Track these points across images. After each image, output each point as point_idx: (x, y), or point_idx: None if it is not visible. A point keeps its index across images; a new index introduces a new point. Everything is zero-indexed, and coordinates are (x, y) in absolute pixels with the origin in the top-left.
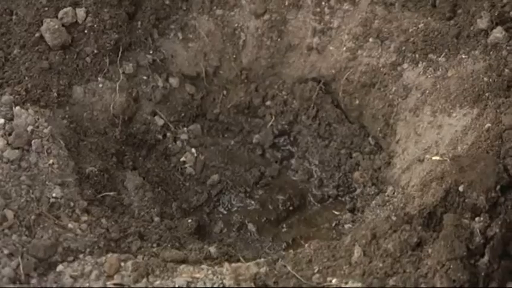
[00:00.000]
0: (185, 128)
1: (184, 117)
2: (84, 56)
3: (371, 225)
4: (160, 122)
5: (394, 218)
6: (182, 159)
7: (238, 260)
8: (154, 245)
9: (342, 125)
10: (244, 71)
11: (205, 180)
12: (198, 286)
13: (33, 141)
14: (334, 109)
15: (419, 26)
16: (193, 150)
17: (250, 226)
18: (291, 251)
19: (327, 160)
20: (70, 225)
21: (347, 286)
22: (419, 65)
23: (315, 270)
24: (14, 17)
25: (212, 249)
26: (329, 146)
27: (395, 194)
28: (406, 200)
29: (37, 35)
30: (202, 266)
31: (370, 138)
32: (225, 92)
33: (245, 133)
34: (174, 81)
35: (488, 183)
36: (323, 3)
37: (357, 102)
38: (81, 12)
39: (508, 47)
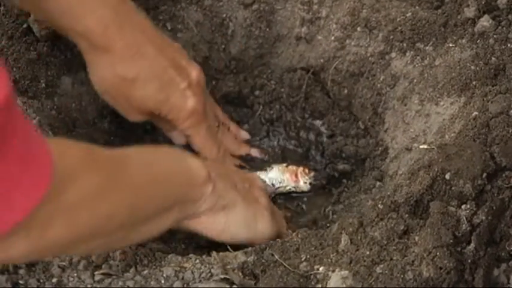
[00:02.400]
0: None
1: None
2: (72, 46)
3: (358, 213)
4: None
5: (380, 206)
6: None
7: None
8: None
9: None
10: (233, 61)
11: None
12: (186, 275)
13: None
14: (324, 98)
15: (407, 15)
16: None
17: None
18: (279, 239)
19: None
20: None
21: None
22: (407, 54)
23: (302, 259)
24: (1, 8)
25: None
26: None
27: (384, 182)
28: (393, 189)
29: (25, 26)
30: (190, 256)
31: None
32: (214, 82)
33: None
34: None
35: (474, 171)
36: None
37: (346, 91)
38: None
39: (495, 36)
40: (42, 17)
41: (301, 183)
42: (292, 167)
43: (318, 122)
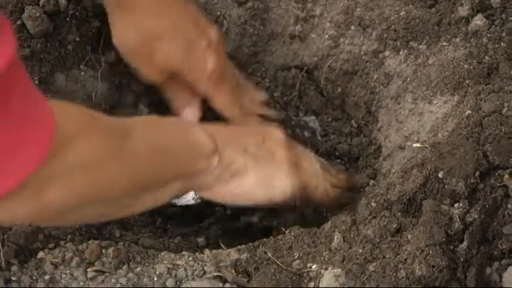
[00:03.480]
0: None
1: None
2: (66, 43)
3: (351, 211)
4: (145, 111)
5: (373, 205)
6: None
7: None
8: (136, 231)
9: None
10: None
11: None
12: (178, 273)
13: None
14: (317, 96)
15: (401, 13)
16: None
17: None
18: (272, 237)
19: None
20: None
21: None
22: (401, 53)
23: (295, 257)
24: None
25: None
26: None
27: (377, 181)
28: (387, 187)
29: (18, 22)
30: (183, 253)
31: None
32: None
33: None
34: None
35: (467, 169)
36: None
37: (339, 89)
38: (62, 0)
39: (488, 35)
40: None
41: None
42: None
43: (311, 120)
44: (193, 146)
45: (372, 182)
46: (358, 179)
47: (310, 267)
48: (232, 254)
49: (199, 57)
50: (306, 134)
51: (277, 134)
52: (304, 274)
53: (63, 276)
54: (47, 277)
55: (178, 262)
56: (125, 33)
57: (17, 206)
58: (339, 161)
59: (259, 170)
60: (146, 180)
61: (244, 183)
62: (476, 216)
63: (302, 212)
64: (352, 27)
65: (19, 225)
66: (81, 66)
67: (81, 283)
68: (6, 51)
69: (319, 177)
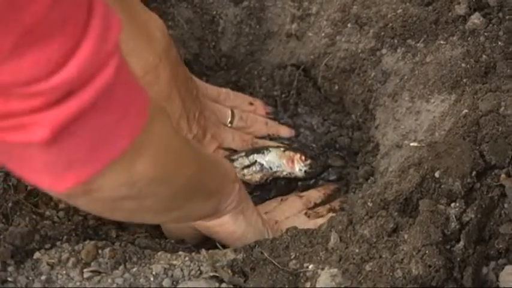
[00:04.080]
0: None
1: None
2: None
3: (348, 211)
4: None
5: (370, 204)
6: None
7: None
8: (132, 232)
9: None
10: (224, 58)
11: None
12: (175, 273)
13: None
14: (316, 92)
15: (398, 11)
16: None
17: None
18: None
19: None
20: (47, 213)
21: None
22: (398, 51)
23: (292, 257)
24: None
25: None
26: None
27: (375, 179)
28: (384, 186)
29: None
30: (180, 253)
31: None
32: (204, 79)
33: None
34: None
35: (464, 169)
36: None
37: (337, 87)
38: None
39: (485, 33)
40: None
41: (297, 169)
42: (290, 153)
43: (310, 119)
44: (225, 168)
45: (370, 179)
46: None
47: (307, 267)
48: (228, 254)
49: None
50: (303, 133)
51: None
52: (301, 274)
53: (60, 276)
54: (43, 277)
55: (175, 262)
56: None
57: (109, 179)
58: (337, 152)
59: (259, 221)
60: (199, 183)
61: (247, 223)
62: (473, 216)
63: None
64: (349, 25)
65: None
66: None
67: (78, 283)
68: (117, 24)
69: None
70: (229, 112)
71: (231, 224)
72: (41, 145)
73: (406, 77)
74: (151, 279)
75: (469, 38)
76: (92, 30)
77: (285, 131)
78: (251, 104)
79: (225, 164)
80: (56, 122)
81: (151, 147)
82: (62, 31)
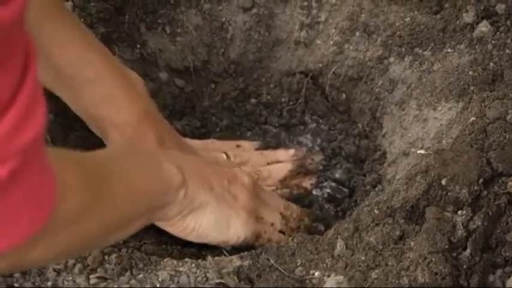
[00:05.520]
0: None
1: (173, 111)
2: None
3: (354, 218)
4: None
5: (376, 211)
6: None
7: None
8: (139, 238)
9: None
10: (232, 65)
11: None
12: (181, 279)
13: None
14: (323, 101)
15: (406, 19)
16: None
17: None
18: (274, 244)
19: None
20: None
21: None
22: (406, 59)
23: (298, 263)
24: None
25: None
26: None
27: (382, 187)
28: (390, 194)
29: None
30: (186, 260)
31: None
32: (213, 86)
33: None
34: (163, 75)
35: (471, 176)
36: None
37: (344, 96)
38: (68, 6)
39: (493, 41)
40: (75, 106)
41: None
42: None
43: (317, 126)
44: (164, 181)
45: (377, 187)
46: (317, 226)
47: (313, 274)
48: (234, 260)
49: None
50: (311, 140)
51: (245, 179)
52: (307, 281)
53: (66, 283)
54: (49, 284)
55: (181, 269)
56: None
57: None
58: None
59: (218, 211)
60: (121, 222)
61: (200, 222)
62: (480, 224)
63: None
64: (357, 34)
65: None
66: None
67: None
68: (38, 126)
69: (275, 229)
70: (224, 155)
71: (180, 224)
72: None
73: (413, 85)
74: (158, 285)
75: (477, 46)
76: (4, 123)
77: (282, 155)
78: (238, 146)
79: (169, 176)
80: None
81: (46, 241)
82: None
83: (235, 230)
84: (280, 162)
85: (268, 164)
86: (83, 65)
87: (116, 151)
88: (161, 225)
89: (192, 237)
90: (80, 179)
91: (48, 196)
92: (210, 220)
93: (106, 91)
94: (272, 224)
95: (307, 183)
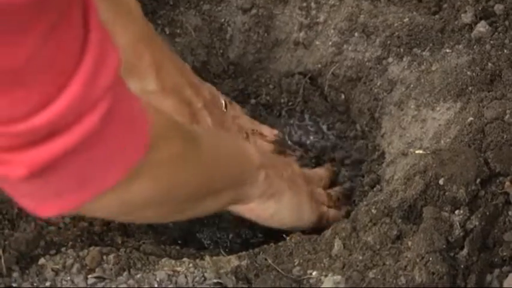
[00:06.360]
0: None
1: None
2: None
3: (351, 218)
4: None
5: (374, 211)
6: None
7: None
8: (138, 238)
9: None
10: (232, 66)
11: None
12: (179, 279)
13: None
14: (322, 101)
15: (405, 20)
16: None
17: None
18: (272, 244)
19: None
20: (53, 219)
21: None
22: (404, 59)
23: (296, 263)
24: None
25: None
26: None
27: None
28: (388, 194)
29: None
30: (184, 259)
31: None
32: None
33: None
34: None
35: (468, 176)
36: None
37: (343, 97)
38: None
39: (491, 42)
40: None
41: None
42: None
43: (315, 127)
44: (247, 157)
45: (376, 187)
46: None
47: (310, 273)
48: (232, 260)
49: (196, 117)
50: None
51: (296, 167)
52: (304, 281)
53: (64, 283)
54: (47, 284)
55: (179, 269)
56: None
57: (99, 204)
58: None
59: (292, 197)
60: (210, 185)
61: (279, 206)
62: (477, 223)
63: None
64: (356, 34)
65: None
66: None
67: None
68: (114, 63)
69: (327, 209)
70: (222, 99)
71: (259, 209)
72: (20, 181)
73: (412, 86)
74: (155, 285)
75: (475, 46)
76: (80, 74)
77: (266, 130)
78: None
79: (247, 151)
80: (34, 162)
81: (150, 173)
82: (47, 75)
83: (309, 215)
84: (262, 135)
85: (252, 130)
86: None
87: (200, 128)
88: (240, 210)
89: (270, 223)
90: (173, 129)
91: (143, 125)
92: (288, 206)
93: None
94: (324, 204)
95: None
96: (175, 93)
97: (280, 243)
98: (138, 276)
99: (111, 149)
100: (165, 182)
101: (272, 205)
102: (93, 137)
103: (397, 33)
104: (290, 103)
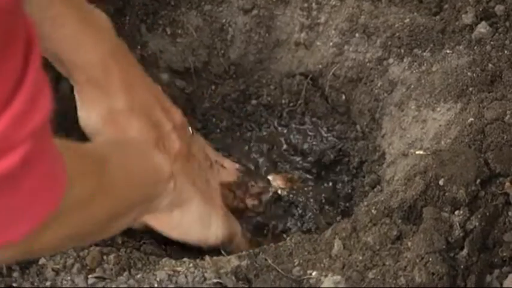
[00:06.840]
0: None
1: None
2: None
3: (351, 218)
4: None
5: (374, 212)
6: None
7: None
8: (138, 238)
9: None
10: (233, 66)
11: None
12: (179, 279)
13: None
14: (323, 103)
15: (405, 21)
16: None
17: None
18: (272, 244)
19: None
20: None
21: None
22: (405, 60)
23: (296, 263)
24: None
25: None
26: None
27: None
28: (389, 194)
29: None
30: (184, 259)
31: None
32: (213, 87)
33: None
34: (163, 76)
35: (468, 176)
36: None
37: (344, 98)
38: None
39: (492, 42)
40: (43, 51)
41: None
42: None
43: (317, 128)
44: (155, 171)
45: (377, 188)
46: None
47: (310, 274)
48: (232, 260)
49: (164, 139)
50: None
51: (214, 181)
52: (304, 281)
53: (64, 282)
54: (48, 283)
55: (179, 269)
56: (93, 109)
57: (7, 250)
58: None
59: (202, 207)
60: (121, 208)
61: (186, 217)
62: (477, 224)
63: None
64: (357, 35)
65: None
66: None
67: None
68: (45, 109)
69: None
70: (189, 128)
71: (165, 218)
72: None
73: (412, 86)
74: (156, 285)
75: (476, 47)
76: (9, 112)
77: (229, 164)
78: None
79: (158, 164)
80: None
81: (62, 221)
82: None
83: (216, 228)
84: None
85: (216, 161)
86: (45, 7)
87: (107, 144)
88: (147, 218)
89: (175, 234)
90: (84, 165)
91: (59, 180)
92: (194, 215)
93: (69, 32)
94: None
95: (249, 201)
96: (143, 113)
97: (280, 243)
98: (139, 276)
99: (24, 197)
100: (77, 224)
101: (178, 215)
102: (8, 180)
103: (397, 34)
104: (291, 104)
